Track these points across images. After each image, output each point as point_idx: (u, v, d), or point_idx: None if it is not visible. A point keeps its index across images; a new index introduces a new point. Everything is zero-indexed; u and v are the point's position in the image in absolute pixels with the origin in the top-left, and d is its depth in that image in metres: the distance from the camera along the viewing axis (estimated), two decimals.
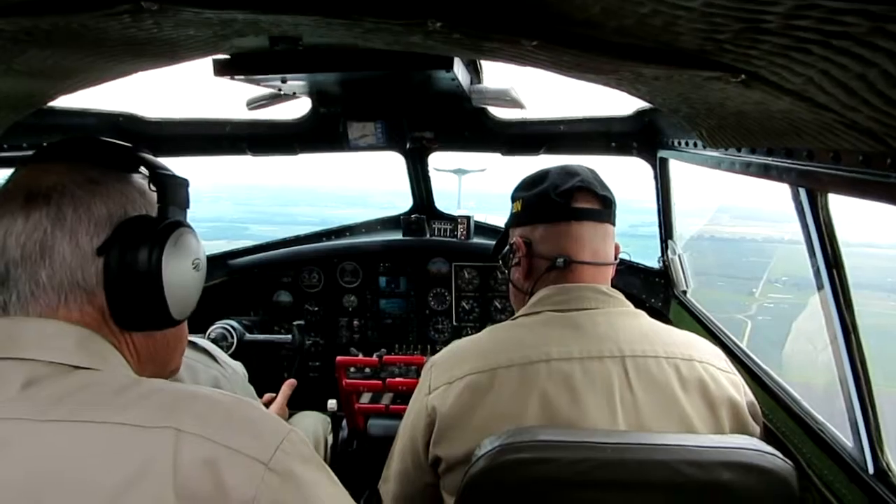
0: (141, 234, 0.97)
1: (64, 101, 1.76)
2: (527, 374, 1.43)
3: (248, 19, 0.94)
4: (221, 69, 1.77)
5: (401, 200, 3.72)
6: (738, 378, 1.53)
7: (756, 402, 1.53)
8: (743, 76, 0.82)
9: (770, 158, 1.34)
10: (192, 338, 1.56)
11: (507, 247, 1.75)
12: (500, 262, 1.81)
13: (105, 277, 0.94)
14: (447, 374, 1.51)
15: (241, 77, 1.83)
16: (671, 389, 1.43)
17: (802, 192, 1.35)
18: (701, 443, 1.32)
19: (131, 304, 0.96)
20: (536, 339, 1.49)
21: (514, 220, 1.74)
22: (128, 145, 1.09)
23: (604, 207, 1.64)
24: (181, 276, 1.03)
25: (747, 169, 1.50)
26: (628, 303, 1.60)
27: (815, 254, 1.37)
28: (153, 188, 1.03)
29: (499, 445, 1.30)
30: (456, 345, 1.62)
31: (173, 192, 1.05)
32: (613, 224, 1.67)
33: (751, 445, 1.33)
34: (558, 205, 1.62)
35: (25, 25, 0.91)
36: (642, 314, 1.60)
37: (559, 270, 1.61)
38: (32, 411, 0.80)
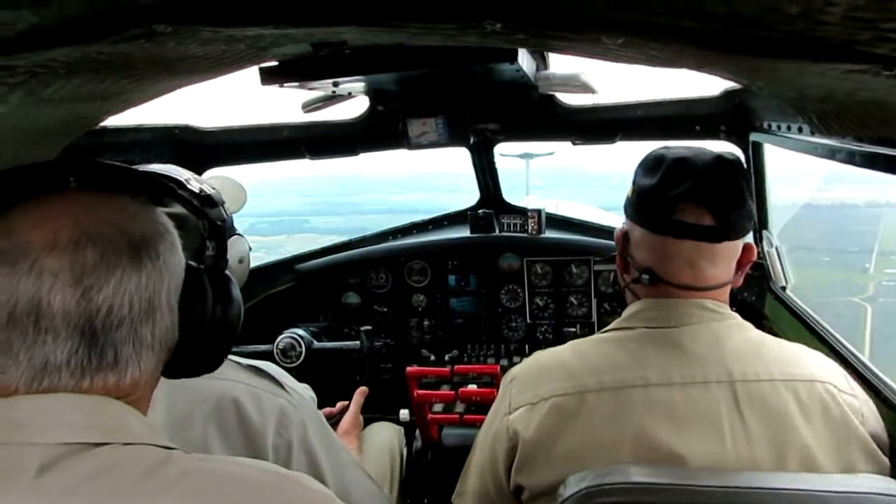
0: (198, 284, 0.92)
1: (117, 119, 1.71)
2: (620, 399, 1.27)
3: (274, 34, 0.82)
4: (268, 78, 1.67)
5: (465, 182, 3.57)
6: (863, 401, 1.31)
7: (884, 431, 1.31)
8: None
9: None
10: (258, 363, 1.50)
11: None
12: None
13: (182, 332, 0.89)
14: (530, 392, 1.36)
15: (290, 84, 1.74)
16: (790, 418, 1.22)
17: None
18: (828, 486, 1.13)
19: (197, 355, 0.94)
20: (630, 359, 1.32)
21: (626, 204, 1.49)
22: (167, 175, 1.01)
23: (719, 224, 1.33)
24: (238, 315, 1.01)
25: (872, 163, 1.27)
26: (736, 315, 1.38)
27: None
28: (204, 232, 0.99)
29: (586, 487, 1.16)
30: (537, 359, 1.46)
31: (219, 227, 1.01)
32: (736, 238, 1.36)
33: (887, 490, 1.13)
34: (659, 213, 1.36)
35: (36, 60, 0.82)
36: (749, 327, 1.38)
37: (667, 290, 1.37)
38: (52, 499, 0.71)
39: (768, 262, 2.44)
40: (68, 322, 0.77)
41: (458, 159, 3.14)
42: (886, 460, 1.27)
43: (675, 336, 1.33)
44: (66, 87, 1.06)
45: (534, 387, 1.37)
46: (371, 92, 2.41)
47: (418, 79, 2.11)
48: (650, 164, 1.42)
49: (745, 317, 1.41)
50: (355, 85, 2.08)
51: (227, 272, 1.00)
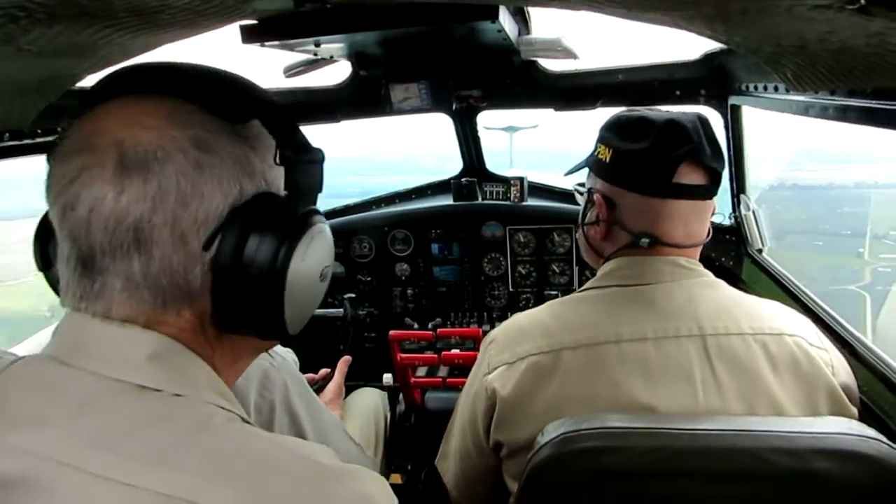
0: (268, 226, 0.77)
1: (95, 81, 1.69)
2: (595, 356, 1.30)
3: None
4: (248, 36, 1.66)
5: (451, 164, 3.59)
6: (834, 355, 1.35)
7: (854, 382, 1.36)
8: (863, 1, 0.65)
9: (876, 101, 1.14)
10: None
11: (587, 200, 1.54)
12: (581, 218, 1.58)
13: (214, 280, 0.76)
14: (507, 352, 1.39)
15: (271, 44, 1.72)
16: (759, 370, 1.27)
17: None
18: (792, 428, 1.18)
19: (243, 310, 0.79)
20: (604, 317, 1.36)
21: (600, 168, 1.49)
22: (246, 80, 0.83)
23: (711, 182, 1.40)
24: (307, 287, 0.83)
25: (844, 115, 1.30)
26: (707, 272, 1.43)
27: None
28: (277, 160, 0.79)
29: (563, 433, 1.20)
30: (515, 320, 1.49)
31: (307, 166, 0.82)
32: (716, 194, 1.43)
33: (850, 430, 1.18)
34: (658, 177, 1.37)
35: (14, 1, 0.82)
36: (722, 284, 1.42)
37: (641, 248, 1.41)
38: (77, 451, 0.67)
39: (745, 225, 2.49)
40: (65, 237, 0.74)
41: (442, 138, 3.13)
42: (855, 410, 1.32)
43: (648, 293, 1.37)
44: (46, 35, 1.05)
45: (511, 347, 1.39)
46: (353, 56, 2.39)
47: (401, 42, 2.10)
48: (632, 126, 1.43)
49: (722, 280, 1.45)
50: (337, 46, 2.07)
51: (312, 213, 0.84)
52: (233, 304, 0.78)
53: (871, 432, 1.17)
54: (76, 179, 0.72)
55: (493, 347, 1.44)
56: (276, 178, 0.82)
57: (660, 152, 1.37)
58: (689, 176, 1.37)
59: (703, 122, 1.41)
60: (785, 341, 1.30)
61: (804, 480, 1.15)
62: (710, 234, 1.47)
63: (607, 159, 1.45)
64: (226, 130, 0.78)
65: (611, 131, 1.48)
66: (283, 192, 0.81)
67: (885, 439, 1.16)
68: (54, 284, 0.82)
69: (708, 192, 1.41)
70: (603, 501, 1.23)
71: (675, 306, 1.34)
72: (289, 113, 0.81)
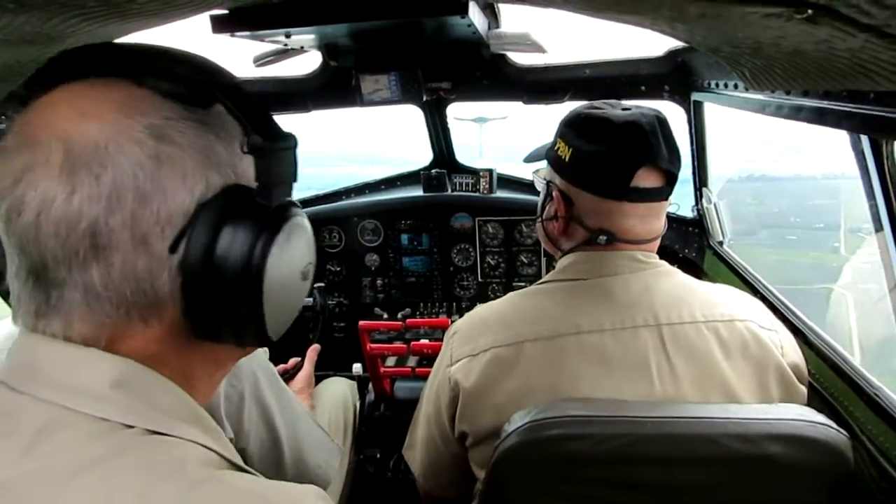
0: (241, 222, 0.69)
1: None
2: (555, 347, 1.35)
3: None
4: (219, 26, 1.64)
5: (419, 157, 3.61)
6: (784, 335, 1.42)
7: (803, 361, 1.43)
8: (810, 11, 0.69)
9: (826, 102, 1.20)
10: None
11: (546, 194, 1.56)
12: (540, 211, 1.61)
13: (184, 286, 0.69)
14: (470, 344, 1.43)
15: (242, 34, 1.71)
16: (712, 357, 1.33)
17: (865, 140, 1.21)
18: (747, 414, 1.24)
19: (218, 317, 0.71)
20: (563, 309, 1.40)
21: (559, 166, 1.50)
22: (206, 61, 0.75)
23: (667, 184, 1.43)
24: (288, 288, 0.76)
25: (797, 114, 1.35)
26: (663, 262, 1.48)
27: (878, 209, 1.23)
28: (245, 149, 0.70)
29: (529, 421, 1.24)
30: (477, 312, 1.52)
31: (279, 154, 0.73)
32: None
33: (801, 416, 1.25)
34: (615, 180, 1.39)
35: None
36: (677, 272, 1.48)
37: (599, 244, 1.45)
38: (23, 492, 0.59)
39: (707, 218, 2.56)
40: (12, 245, 0.66)
41: (409, 131, 3.13)
42: (803, 389, 1.39)
43: (606, 285, 1.42)
44: (13, 23, 1.03)
45: (473, 339, 1.43)
46: (324, 47, 2.38)
47: (371, 34, 2.10)
48: (591, 127, 1.44)
49: (685, 272, 1.51)
50: (308, 37, 2.06)
51: (289, 206, 0.76)
52: (206, 311, 0.70)
53: (821, 418, 1.23)
54: (20, 181, 0.64)
55: (456, 339, 1.48)
56: (247, 169, 0.74)
57: (618, 156, 1.39)
58: (647, 179, 1.40)
59: (662, 122, 1.42)
60: (736, 327, 1.36)
61: (758, 464, 1.21)
62: (667, 226, 1.52)
63: (566, 158, 1.47)
64: (186, 117, 0.70)
65: (570, 127, 1.49)
66: (254, 184, 0.72)
67: (833, 424, 1.23)
68: (6, 296, 0.74)
69: (664, 193, 1.44)
70: (568, 487, 1.27)
71: (632, 298, 1.38)
72: (256, 97, 0.75)
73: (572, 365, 1.33)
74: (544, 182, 1.58)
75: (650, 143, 1.38)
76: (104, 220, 0.64)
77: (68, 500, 0.59)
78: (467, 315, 1.54)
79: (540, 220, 1.60)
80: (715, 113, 2.37)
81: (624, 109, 1.45)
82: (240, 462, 0.73)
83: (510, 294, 1.53)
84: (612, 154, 1.39)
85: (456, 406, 1.42)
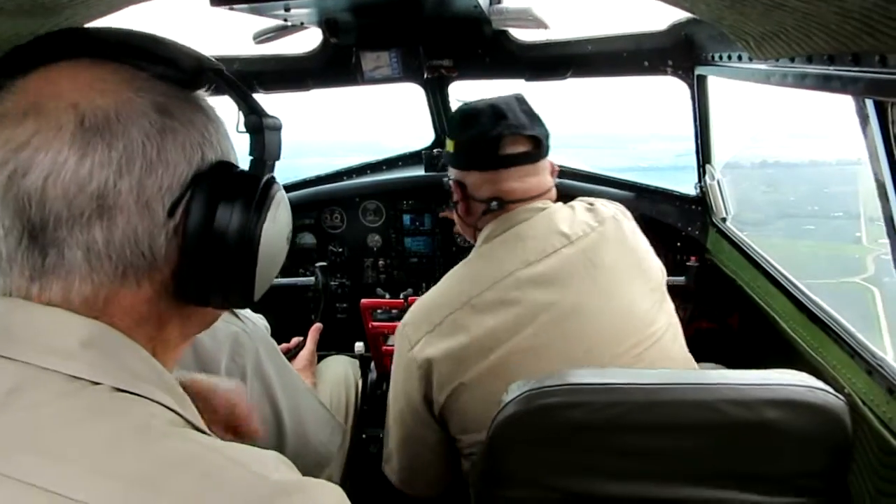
0: (237, 192, 0.75)
1: None
2: (500, 291, 1.52)
3: None
4: None
5: (419, 144, 3.57)
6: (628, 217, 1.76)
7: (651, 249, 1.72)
8: None
9: (832, 68, 1.18)
10: None
11: (450, 189, 1.79)
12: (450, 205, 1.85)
13: (182, 248, 0.73)
14: (425, 324, 1.55)
15: (240, 7, 1.70)
16: (606, 250, 1.60)
17: (870, 104, 1.19)
18: (744, 380, 1.25)
19: (212, 278, 0.75)
20: (494, 263, 1.59)
21: (449, 160, 1.78)
22: (193, 49, 0.80)
23: (534, 148, 1.68)
24: (276, 252, 0.84)
25: (802, 81, 1.34)
26: (558, 203, 1.71)
27: (883, 176, 1.22)
28: (239, 128, 0.79)
29: (527, 390, 1.26)
30: (418, 303, 1.68)
31: (267, 133, 0.81)
32: (546, 155, 1.73)
33: (799, 381, 1.25)
34: (487, 153, 1.65)
35: None
36: (566, 205, 1.70)
37: (495, 211, 1.66)
38: (13, 436, 0.61)
39: (710, 195, 2.55)
40: (7, 207, 0.68)
41: (411, 118, 3.10)
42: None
43: (518, 232, 1.62)
44: None
45: (426, 319, 1.57)
46: (324, 23, 2.36)
47: (372, 8, 2.08)
48: (466, 119, 1.72)
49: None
50: (307, 12, 2.04)
51: (272, 179, 0.82)
52: (201, 272, 0.75)
53: (819, 383, 1.24)
54: (27, 145, 0.66)
55: (409, 328, 1.60)
56: (229, 149, 0.82)
57: (484, 134, 1.64)
58: (513, 147, 1.66)
59: (520, 99, 1.72)
60: (609, 224, 1.65)
61: (756, 430, 1.22)
62: (555, 177, 1.78)
63: (452, 152, 1.75)
64: (182, 97, 0.76)
65: (451, 128, 1.81)
66: (236, 163, 0.82)
67: (831, 390, 1.23)
68: None
69: (533, 156, 1.68)
70: (567, 455, 1.28)
71: (541, 232, 1.60)
72: (244, 79, 0.83)
73: (520, 296, 1.50)
74: (448, 181, 1.81)
75: (506, 117, 1.64)
76: (113, 183, 0.68)
77: (37, 452, 0.61)
78: (410, 310, 1.68)
79: (454, 212, 1.82)
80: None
81: (492, 98, 1.73)
82: (204, 427, 0.76)
83: (445, 276, 1.69)
84: (481, 133, 1.65)
85: (431, 381, 1.51)
